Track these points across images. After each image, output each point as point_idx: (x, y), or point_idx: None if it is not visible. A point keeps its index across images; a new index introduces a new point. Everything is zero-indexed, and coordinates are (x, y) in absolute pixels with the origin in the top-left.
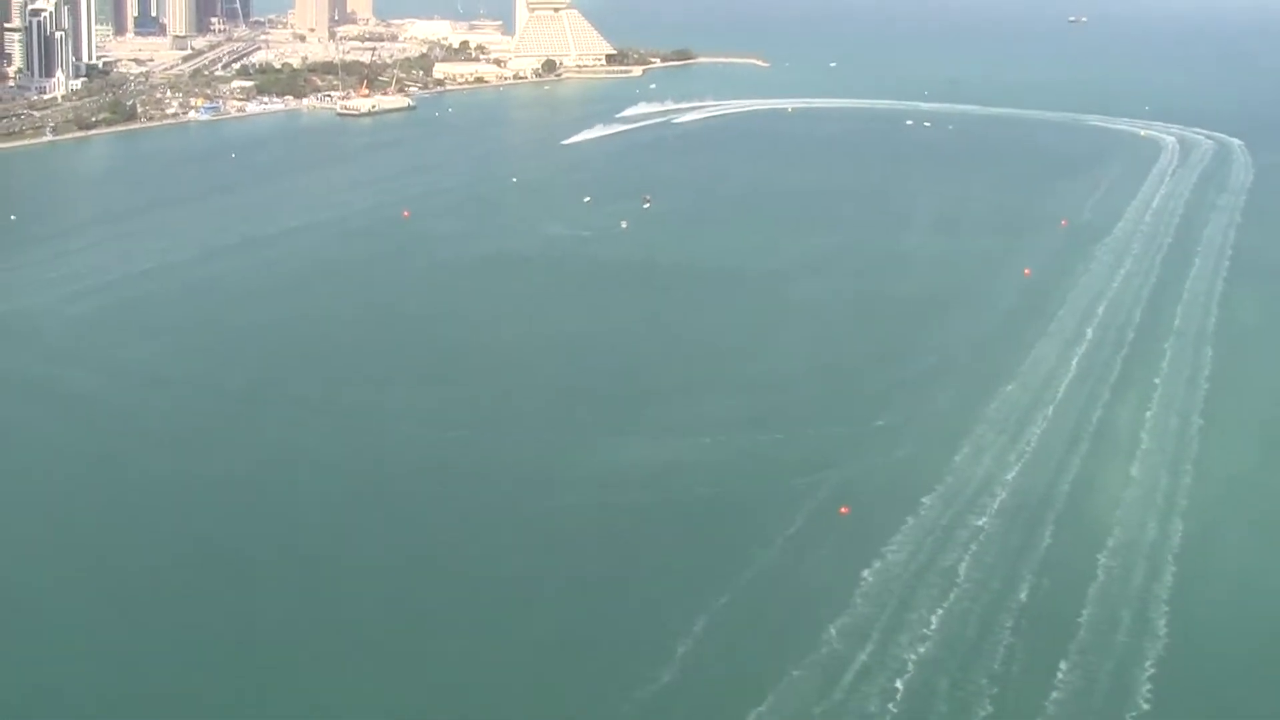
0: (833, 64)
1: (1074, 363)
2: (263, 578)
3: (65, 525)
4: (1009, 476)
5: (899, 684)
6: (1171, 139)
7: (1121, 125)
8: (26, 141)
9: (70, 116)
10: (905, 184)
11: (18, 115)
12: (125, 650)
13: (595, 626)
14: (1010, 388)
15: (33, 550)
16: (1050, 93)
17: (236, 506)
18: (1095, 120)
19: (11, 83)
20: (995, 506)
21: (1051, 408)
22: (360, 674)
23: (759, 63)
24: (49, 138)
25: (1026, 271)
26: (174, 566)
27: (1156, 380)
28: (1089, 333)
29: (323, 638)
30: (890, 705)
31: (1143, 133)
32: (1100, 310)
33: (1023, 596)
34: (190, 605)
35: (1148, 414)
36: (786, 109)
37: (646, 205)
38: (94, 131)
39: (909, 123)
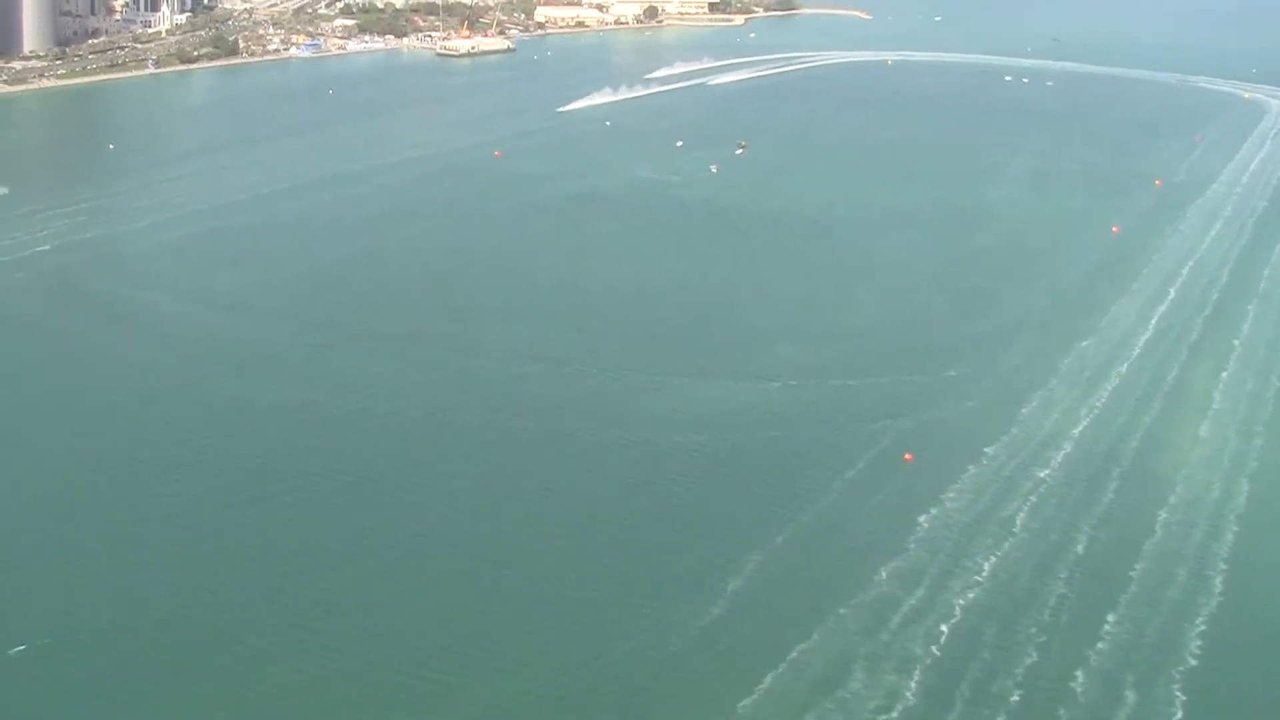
0: (937, 18)
1: (1153, 321)
2: (329, 500)
3: (144, 442)
4: (1076, 431)
5: (944, 628)
6: (1277, 102)
7: (1226, 87)
8: (130, 74)
9: (173, 51)
10: (999, 139)
11: (122, 48)
12: (194, 563)
13: (650, 560)
14: (1086, 343)
15: (112, 464)
16: (1155, 53)
17: (306, 431)
18: (1200, 81)
19: (118, 16)
20: (1059, 460)
21: (1126, 365)
22: (424, 595)
23: (862, 15)
24: (151, 71)
25: (1115, 229)
26: (242, 484)
27: (1236, 342)
28: (1172, 292)
29: (385, 558)
30: (934, 648)
31: (1246, 95)
32: (1186, 270)
33: (1079, 549)
34: (256, 523)
35: (1223, 375)
36: (886, 61)
37: (740, 151)
38: (195, 66)
39: (1008, 78)
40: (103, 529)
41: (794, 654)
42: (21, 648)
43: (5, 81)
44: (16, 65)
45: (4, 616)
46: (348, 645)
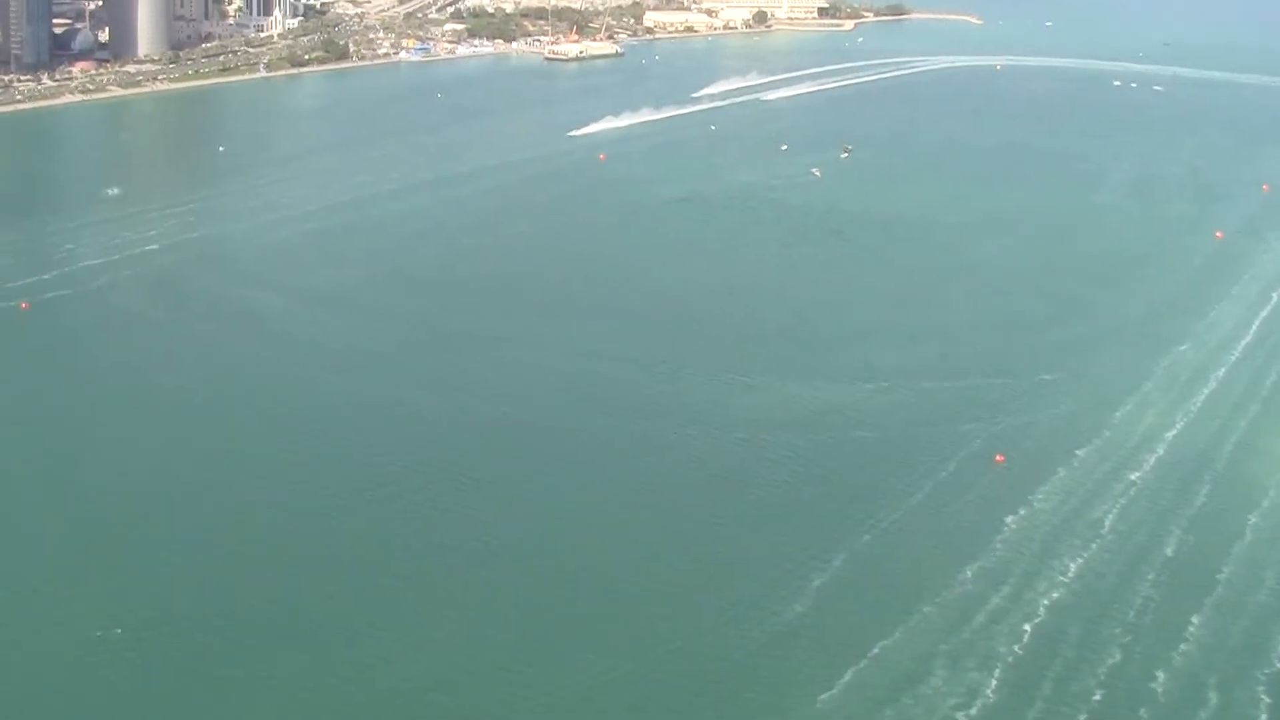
0: (1048, 23)
1: (1254, 327)
2: (422, 496)
3: (243, 436)
4: (1170, 435)
5: (1027, 627)
6: None
7: None
8: (241, 77)
9: (284, 54)
10: (1105, 144)
11: (234, 52)
12: (286, 556)
13: (736, 556)
14: (1184, 348)
15: (211, 457)
16: (1269, 58)
17: (402, 428)
18: None
19: (231, 20)
20: (1151, 463)
21: (1224, 370)
22: (511, 587)
23: (973, 20)
24: (262, 74)
25: (1219, 235)
26: (338, 479)
27: None
28: (1274, 297)
29: (475, 551)
30: (1016, 647)
31: None
32: None
33: (1168, 551)
34: (347, 517)
35: None
36: (995, 66)
37: (845, 155)
38: (306, 69)
39: (1116, 83)
40: (199, 520)
41: (876, 650)
42: (119, 631)
43: (119, 85)
44: (131, 69)
45: (99, 599)
46: (435, 634)
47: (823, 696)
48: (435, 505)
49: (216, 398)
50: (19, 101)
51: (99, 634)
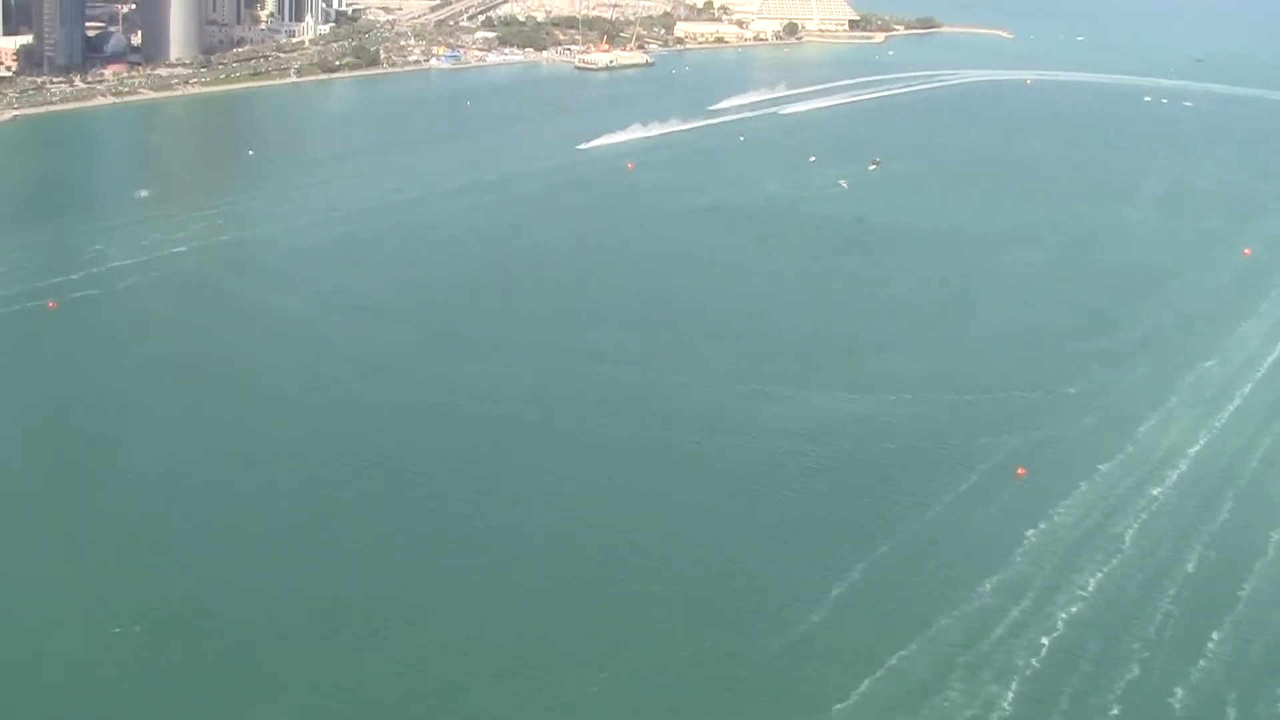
0: (1080, 38)
1: None
2: (444, 497)
3: (266, 435)
4: (1193, 450)
5: (1045, 640)
6: None
7: None
8: (271, 82)
9: (315, 60)
10: (1134, 159)
11: (265, 57)
12: (307, 552)
13: (754, 564)
14: (1210, 363)
15: (235, 456)
16: None
17: (424, 429)
18: None
19: (263, 26)
20: (1174, 478)
21: (1250, 386)
22: (530, 591)
23: (1004, 34)
24: (293, 79)
25: (1246, 251)
26: (356, 480)
27: None
28: None
29: (495, 554)
30: (1034, 660)
31: None
32: None
33: (1189, 567)
34: (366, 518)
35: None
36: (1025, 80)
37: (873, 168)
38: (336, 75)
39: (1147, 99)
40: (218, 518)
41: (892, 660)
42: (136, 628)
43: (151, 88)
44: (162, 72)
45: (117, 595)
46: (453, 636)
47: (837, 706)
48: (454, 508)
49: (239, 398)
50: (52, 103)
51: (117, 630)
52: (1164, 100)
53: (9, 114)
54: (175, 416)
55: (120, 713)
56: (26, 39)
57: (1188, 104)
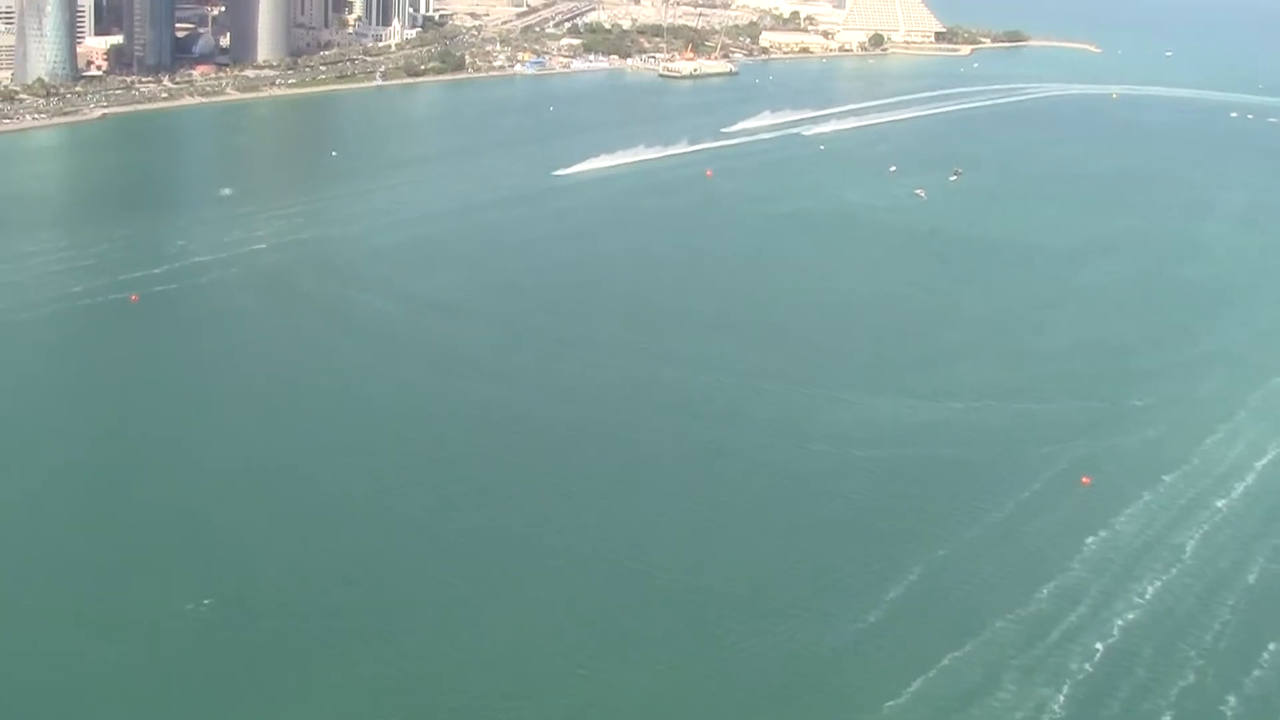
0: (1168, 53)
1: None
2: (506, 494)
3: (336, 427)
4: (1260, 464)
5: (1100, 646)
6: None
7: None
8: (358, 85)
9: (401, 64)
10: (1216, 174)
11: (351, 60)
12: (368, 543)
13: (813, 564)
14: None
15: (304, 446)
16: None
17: (490, 427)
18: None
19: (350, 30)
20: (1239, 491)
21: None
22: (591, 588)
23: (1091, 48)
24: (378, 83)
25: None
26: (424, 473)
27: None
28: None
29: (556, 551)
30: (1087, 665)
31: None
32: None
33: (1250, 579)
34: (431, 513)
35: None
36: (1111, 95)
37: (954, 178)
38: (421, 79)
39: (1234, 114)
40: (288, 506)
41: (945, 661)
42: (206, 602)
43: (238, 89)
44: (250, 73)
45: (191, 574)
46: (508, 631)
47: (889, 704)
48: (518, 506)
49: (312, 393)
50: (140, 102)
51: (189, 606)
52: (1250, 116)
53: (98, 112)
54: (251, 407)
55: (186, 679)
56: (117, 39)
57: (1273, 120)
